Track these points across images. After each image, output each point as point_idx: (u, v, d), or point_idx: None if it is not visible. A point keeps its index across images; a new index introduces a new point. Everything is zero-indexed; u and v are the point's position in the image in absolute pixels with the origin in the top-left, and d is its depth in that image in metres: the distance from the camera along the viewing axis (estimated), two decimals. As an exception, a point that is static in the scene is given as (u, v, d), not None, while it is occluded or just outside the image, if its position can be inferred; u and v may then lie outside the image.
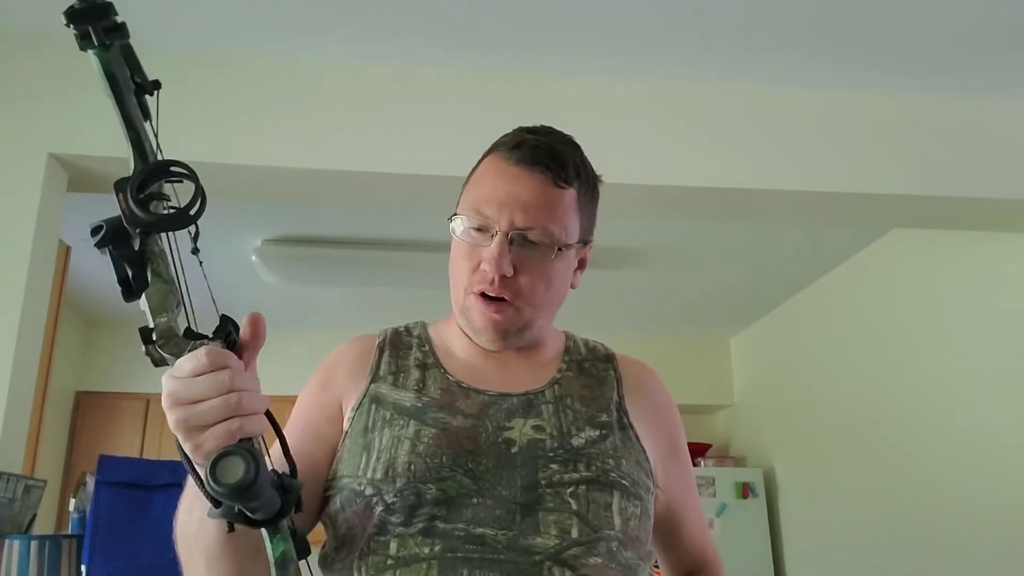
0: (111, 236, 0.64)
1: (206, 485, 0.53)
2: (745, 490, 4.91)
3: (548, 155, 0.94)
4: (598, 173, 1.03)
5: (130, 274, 0.65)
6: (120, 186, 0.62)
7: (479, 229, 0.93)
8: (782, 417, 4.88)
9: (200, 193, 0.63)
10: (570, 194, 0.95)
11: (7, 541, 1.89)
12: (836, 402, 4.25)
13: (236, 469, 0.51)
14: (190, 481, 0.78)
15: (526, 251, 0.92)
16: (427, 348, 1.00)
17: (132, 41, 0.62)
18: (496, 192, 0.93)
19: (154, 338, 0.63)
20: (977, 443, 3.20)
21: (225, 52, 2.44)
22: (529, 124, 1.01)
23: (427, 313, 1.11)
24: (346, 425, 0.93)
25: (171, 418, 0.62)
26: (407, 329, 1.04)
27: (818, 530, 4.47)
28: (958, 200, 2.65)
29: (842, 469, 4.19)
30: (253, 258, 3.84)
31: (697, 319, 5.19)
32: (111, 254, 0.64)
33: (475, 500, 0.84)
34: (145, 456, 4.84)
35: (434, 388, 0.94)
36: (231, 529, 0.60)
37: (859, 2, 2.22)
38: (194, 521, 0.78)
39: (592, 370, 1.01)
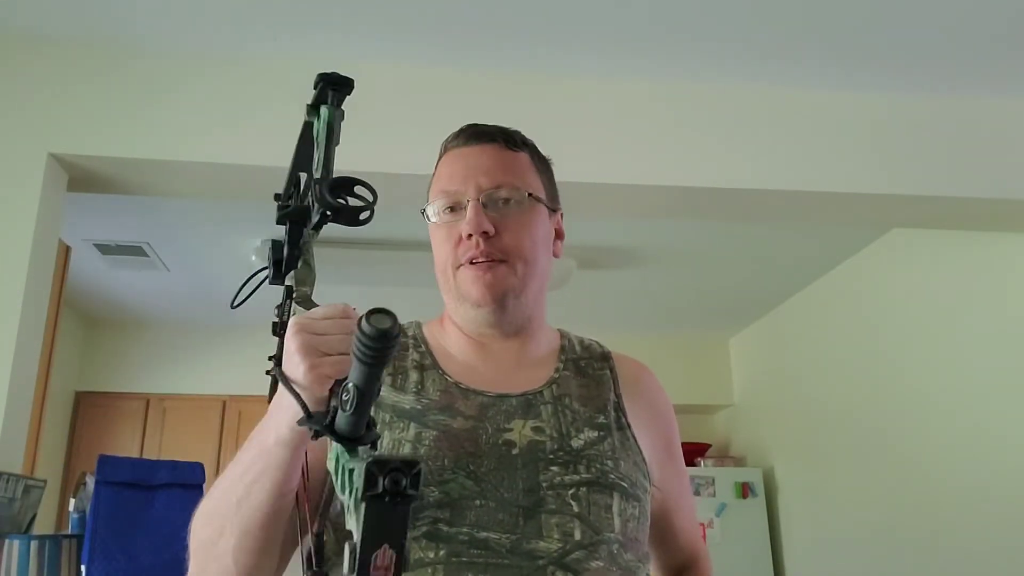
0: (296, 213, 0.83)
1: (359, 329, 0.60)
2: (745, 490, 4.91)
3: (495, 129, 1.01)
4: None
5: (285, 255, 0.82)
6: (316, 180, 0.78)
7: (451, 209, 0.96)
8: (782, 417, 4.89)
9: (372, 206, 0.77)
10: (524, 156, 1.01)
11: (7, 541, 1.89)
12: (836, 402, 4.25)
13: (386, 321, 0.60)
14: (246, 445, 0.79)
15: (500, 210, 0.95)
16: (424, 349, 0.99)
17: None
18: (456, 169, 0.98)
19: (295, 296, 0.79)
20: (976, 442, 3.20)
21: (224, 52, 2.44)
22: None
23: (428, 313, 1.10)
24: None
25: (297, 341, 0.70)
26: (402, 330, 1.04)
27: (818, 530, 4.47)
28: (958, 200, 2.65)
29: (842, 469, 4.19)
30: (253, 258, 3.84)
31: (697, 319, 5.19)
32: (286, 232, 0.83)
33: (478, 502, 0.84)
34: (145, 456, 4.84)
35: (433, 390, 0.94)
36: (315, 437, 0.65)
37: (859, 2, 2.23)
38: (243, 486, 0.76)
39: (589, 370, 1.02)
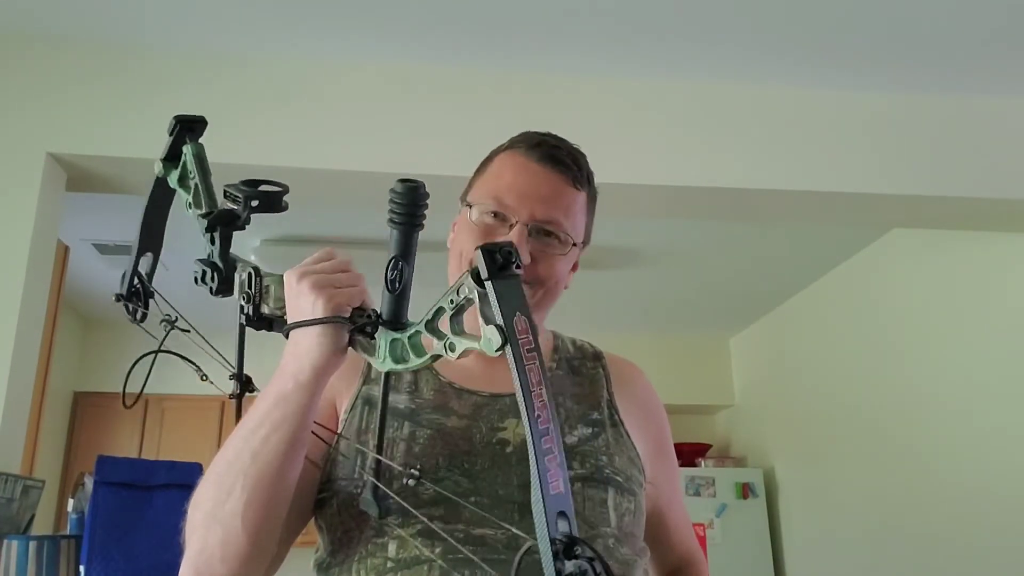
0: (223, 216, 0.85)
1: (392, 192, 0.70)
2: (745, 490, 4.91)
3: (568, 156, 0.98)
4: (596, 175, 1.05)
5: (220, 261, 0.84)
6: (234, 185, 0.84)
7: (496, 216, 0.95)
8: (782, 417, 4.88)
9: (287, 190, 0.84)
10: (583, 197, 0.99)
11: (6, 541, 1.88)
12: (836, 402, 4.25)
13: (414, 181, 0.69)
14: (255, 405, 0.81)
15: (541, 244, 0.94)
16: None
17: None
18: (517, 184, 0.95)
19: (263, 273, 0.84)
20: (976, 442, 3.20)
21: (225, 52, 2.43)
22: (529, 124, 1.04)
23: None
24: (340, 427, 0.93)
25: (308, 282, 0.76)
26: None
27: (818, 530, 4.47)
28: (958, 200, 2.65)
29: (842, 469, 4.19)
30: (252, 258, 3.84)
31: (697, 319, 5.19)
32: (214, 240, 0.84)
33: (472, 500, 0.84)
34: (144, 456, 4.84)
35: (426, 390, 0.94)
36: (370, 332, 0.73)
37: (859, 2, 2.22)
38: (259, 438, 0.76)
39: (582, 368, 1.03)
